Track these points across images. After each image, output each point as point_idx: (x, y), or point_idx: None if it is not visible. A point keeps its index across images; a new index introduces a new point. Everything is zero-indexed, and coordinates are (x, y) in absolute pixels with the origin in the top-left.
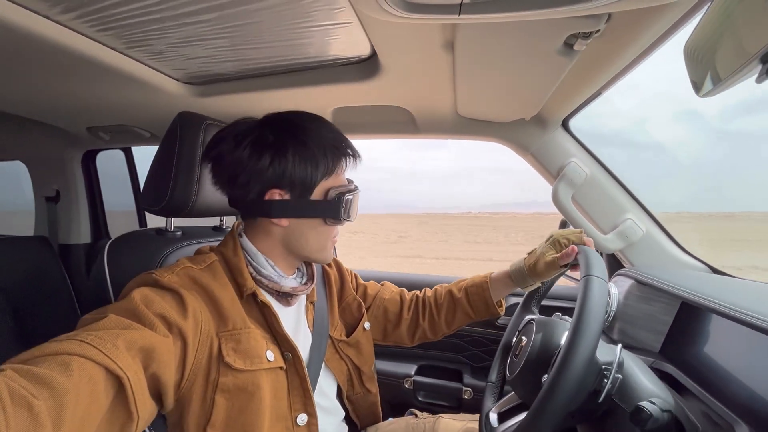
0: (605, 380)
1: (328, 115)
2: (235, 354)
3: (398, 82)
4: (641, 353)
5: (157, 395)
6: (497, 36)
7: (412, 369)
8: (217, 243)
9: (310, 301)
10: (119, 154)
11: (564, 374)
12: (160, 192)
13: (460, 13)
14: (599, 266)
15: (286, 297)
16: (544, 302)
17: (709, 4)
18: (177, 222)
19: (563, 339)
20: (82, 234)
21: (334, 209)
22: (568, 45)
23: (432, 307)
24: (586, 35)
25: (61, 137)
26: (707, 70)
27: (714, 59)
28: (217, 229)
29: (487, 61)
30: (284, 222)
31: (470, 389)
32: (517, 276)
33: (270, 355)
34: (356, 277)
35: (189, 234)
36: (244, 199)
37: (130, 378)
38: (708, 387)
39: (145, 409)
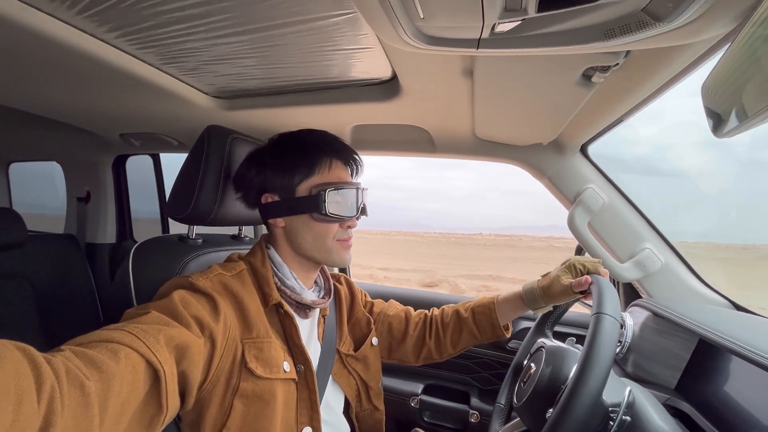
0: (611, 423)
1: (347, 132)
2: (257, 361)
3: (417, 104)
4: (656, 388)
5: (182, 392)
6: (516, 66)
7: (419, 387)
8: (235, 251)
9: (321, 314)
10: (147, 162)
11: (567, 417)
12: (186, 201)
13: (478, 47)
14: (612, 303)
15: (305, 309)
16: (559, 329)
17: (729, 44)
18: (198, 230)
19: (573, 370)
20: (108, 234)
21: (315, 203)
22: (587, 77)
23: (438, 326)
24: (605, 69)
25: (96, 142)
26: (727, 110)
27: (735, 100)
28: (236, 238)
29: (506, 89)
30: (280, 222)
31: (477, 412)
32: (530, 297)
33: (286, 366)
34: (365, 295)
35: (209, 242)
36: (254, 206)
37: (166, 372)
38: (723, 429)
39: (174, 404)
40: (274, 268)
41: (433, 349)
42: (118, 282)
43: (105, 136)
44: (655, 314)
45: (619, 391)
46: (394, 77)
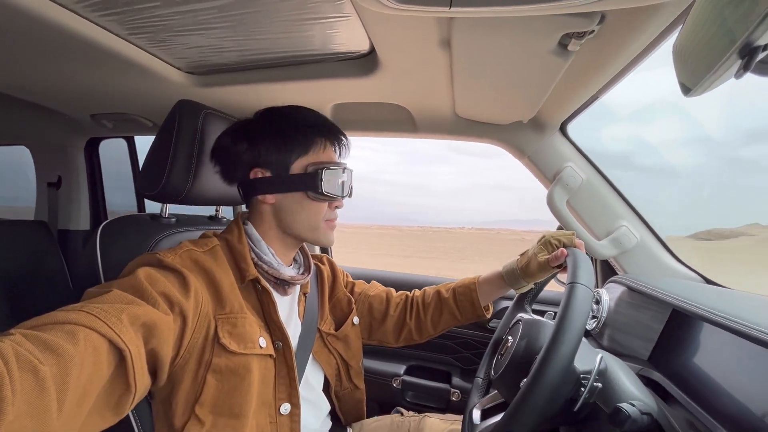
0: (582, 389)
1: (327, 111)
2: (230, 336)
3: (397, 80)
4: (630, 360)
5: (153, 370)
6: (492, 34)
7: (401, 369)
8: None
9: (303, 292)
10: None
11: (538, 382)
12: (157, 177)
13: (450, 6)
14: (586, 273)
15: (283, 285)
16: (540, 307)
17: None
18: (174, 210)
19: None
20: (82, 220)
21: (312, 182)
22: (563, 45)
23: (419, 306)
24: (580, 35)
25: (65, 123)
26: (693, 68)
27: (698, 57)
28: (213, 219)
29: (484, 60)
30: (270, 198)
31: (458, 391)
32: (510, 277)
33: (262, 341)
34: (347, 276)
35: (184, 221)
36: (237, 182)
37: (131, 351)
38: (694, 396)
39: (143, 382)
40: (251, 244)
41: (414, 329)
42: (84, 262)
43: (75, 117)
44: (630, 288)
45: (591, 359)
46: (372, 51)
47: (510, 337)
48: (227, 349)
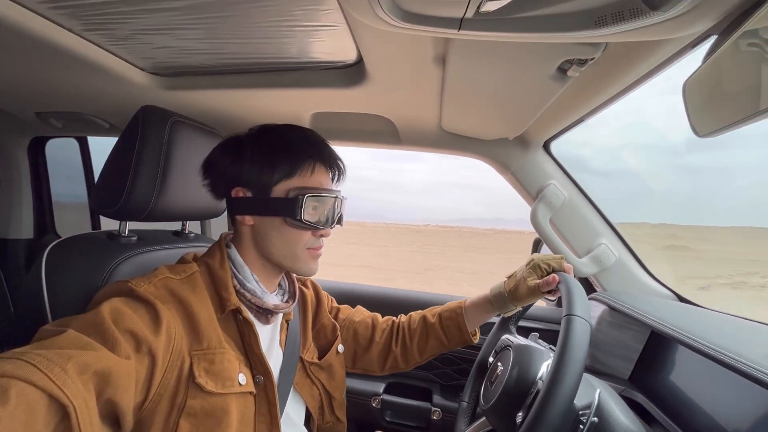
0: (581, 426)
1: (306, 119)
2: (207, 375)
3: (383, 92)
4: (610, 379)
5: (114, 419)
6: (492, 55)
7: (380, 387)
8: (187, 250)
9: (285, 319)
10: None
11: (540, 424)
12: (116, 192)
13: (460, 29)
14: (582, 304)
15: (266, 314)
16: (522, 323)
17: (711, 42)
18: (135, 224)
19: (541, 370)
20: (24, 229)
21: (291, 208)
22: (562, 70)
23: (405, 332)
24: (582, 62)
25: (6, 121)
26: (711, 111)
27: (720, 102)
28: (179, 235)
29: (478, 79)
30: (248, 220)
31: (439, 410)
32: (498, 301)
33: (242, 378)
34: (332, 300)
35: (147, 239)
36: (221, 197)
37: (76, 407)
38: (674, 416)
39: None
40: (234, 270)
41: (400, 357)
42: (29, 290)
43: (17, 115)
44: (611, 308)
45: (587, 392)
46: (359, 61)
47: (500, 364)
48: (203, 389)
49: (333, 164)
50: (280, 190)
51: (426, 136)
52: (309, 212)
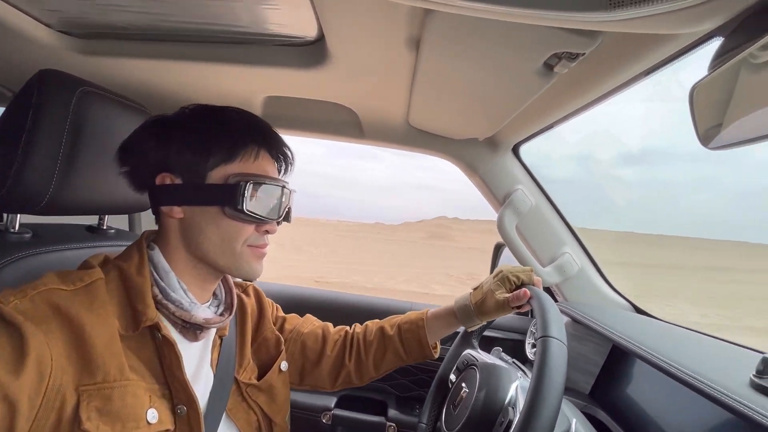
0: None
1: (257, 104)
2: (99, 417)
3: (347, 77)
4: (571, 394)
5: None
6: (473, 40)
7: (331, 401)
8: (90, 250)
9: (219, 335)
10: None
11: None
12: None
13: None
14: (558, 323)
15: (194, 330)
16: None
17: (719, 44)
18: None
19: (509, 392)
20: None
21: (231, 195)
22: (549, 66)
23: (360, 344)
24: (572, 57)
25: None
26: (722, 123)
27: (733, 116)
28: (95, 230)
29: (454, 69)
30: (177, 212)
31: (394, 425)
32: (463, 314)
33: (152, 415)
34: (277, 309)
35: (45, 236)
36: (145, 189)
37: None
38: None
39: None
40: (156, 276)
41: (353, 372)
42: None
43: None
44: (574, 320)
45: (562, 422)
46: (320, 38)
47: (464, 385)
48: None
49: (280, 153)
50: (216, 176)
51: (391, 132)
52: (253, 202)
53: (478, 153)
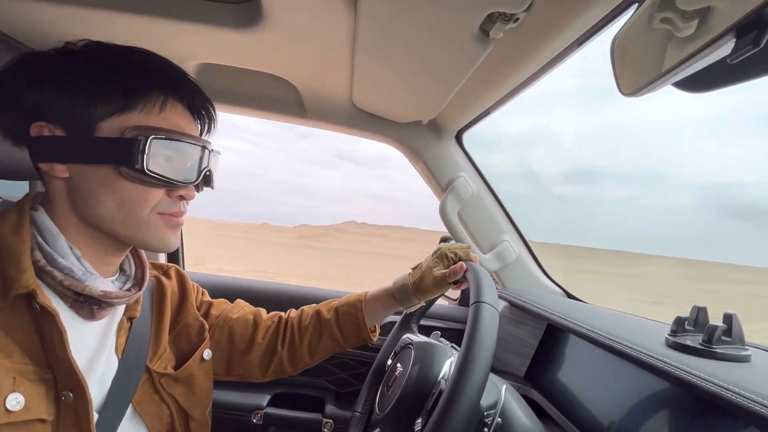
0: (485, 429)
1: (189, 71)
2: None
3: (284, 43)
4: (508, 377)
5: None
6: (407, 7)
7: (263, 399)
8: None
9: (128, 316)
10: None
11: (444, 428)
12: None
13: None
14: (490, 291)
15: (89, 305)
16: (423, 322)
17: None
18: None
19: (443, 368)
20: None
21: (125, 152)
22: (484, 31)
23: (294, 330)
24: (506, 19)
25: None
26: (637, 68)
27: (646, 58)
28: None
29: (394, 33)
30: (60, 170)
31: (331, 421)
32: (402, 294)
33: (15, 401)
34: (203, 293)
35: None
36: (20, 140)
37: None
38: (567, 412)
39: None
40: (39, 239)
41: (286, 359)
42: None
43: None
44: (512, 304)
45: (492, 391)
46: None
47: (399, 365)
48: None
49: (199, 107)
50: (109, 128)
51: (336, 112)
52: (158, 161)
53: (422, 138)
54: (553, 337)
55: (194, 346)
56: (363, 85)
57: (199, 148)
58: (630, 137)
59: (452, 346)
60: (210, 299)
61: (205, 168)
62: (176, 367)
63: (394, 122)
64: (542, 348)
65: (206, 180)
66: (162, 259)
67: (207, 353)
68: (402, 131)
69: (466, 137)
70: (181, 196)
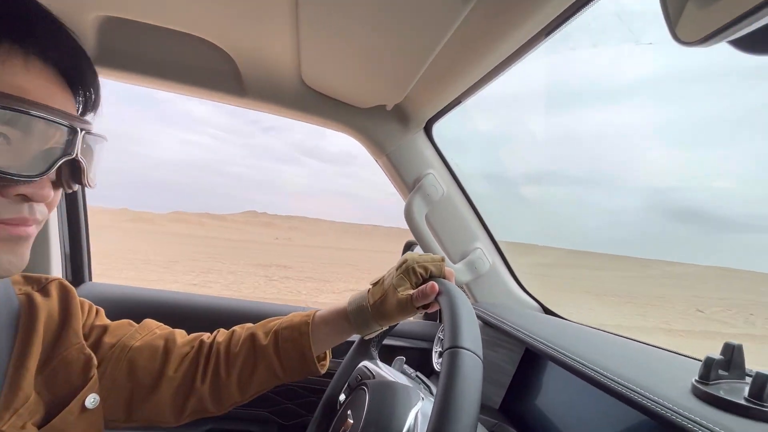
0: None
1: (87, 24)
2: None
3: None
4: (480, 411)
5: None
6: None
7: None
8: None
9: None
10: None
11: None
12: None
13: None
14: (471, 330)
15: None
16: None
17: None
18: None
19: (408, 420)
20: None
21: None
22: None
23: (221, 359)
24: None
25: None
26: (698, 14)
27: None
28: None
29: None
30: None
31: None
32: (359, 318)
33: None
34: (97, 313)
35: None
36: None
37: None
38: None
39: None
40: None
41: (208, 397)
42: None
43: None
44: (486, 323)
45: None
46: None
47: (350, 412)
48: None
49: (72, 67)
50: None
51: (281, 92)
52: None
53: (386, 128)
54: (532, 360)
55: (74, 390)
56: (313, 57)
57: (60, 127)
58: (580, 142)
59: (417, 375)
60: (106, 322)
61: (64, 157)
62: (43, 422)
63: (354, 107)
64: (520, 374)
65: (77, 176)
66: (57, 270)
67: (92, 399)
68: (363, 118)
69: (436, 129)
70: (23, 195)
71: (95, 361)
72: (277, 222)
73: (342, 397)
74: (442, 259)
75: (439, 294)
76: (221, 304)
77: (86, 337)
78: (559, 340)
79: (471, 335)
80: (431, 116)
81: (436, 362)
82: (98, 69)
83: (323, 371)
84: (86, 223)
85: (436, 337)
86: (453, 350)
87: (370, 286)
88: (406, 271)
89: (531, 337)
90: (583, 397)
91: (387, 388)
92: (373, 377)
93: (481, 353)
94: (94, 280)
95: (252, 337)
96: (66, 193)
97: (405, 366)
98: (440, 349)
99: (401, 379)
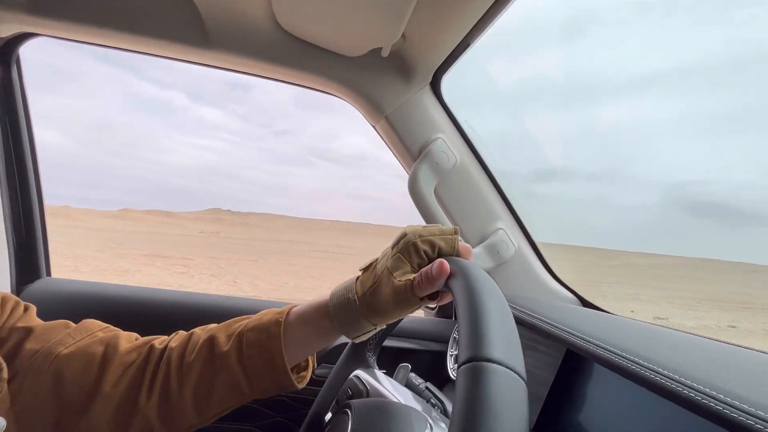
0: None
1: None
2: None
3: None
4: None
5: None
6: None
7: None
8: None
9: None
10: None
11: None
12: None
13: None
14: (504, 329)
15: None
16: (386, 341)
17: None
18: None
19: None
20: None
21: None
22: None
23: (172, 369)
24: None
25: None
26: None
27: None
28: None
29: None
30: None
31: None
32: (343, 315)
33: None
34: (26, 311)
35: None
36: None
37: None
38: None
39: None
40: None
41: (156, 418)
42: None
43: None
44: (517, 321)
45: None
46: None
47: None
48: None
49: None
50: None
51: (252, 39)
52: None
53: (384, 81)
54: (575, 366)
55: None
56: None
57: None
58: (597, 138)
59: (426, 388)
60: (35, 323)
61: None
62: None
63: (343, 56)
64: (558, 383)
65: None
66: (2, 265)
67: None
68: (355, 70)
69: (446, 85)
70: None
71: (5, 374)
72: (229, 218)
73: (329, 416)
74: (456, 231)
75: (450, 276)
76: (202, 300)
77: (2, 341)
78: (614, 340)
79: (503, 339)
80: (438, 66)
81: (452, 368)
82: (28, 21)
83: (302, 385)
84: (42, 215)
85: (452, 337)
86: (473, 365)
87: (360, 272)
88: (405, 249)
89: (577, 336)
90: (650, 412)
91: (377, 412)
92: (367, 392)
93: (522, 368)
94: (53, 275)
95: (210, 342)
96: (17, 186)
97: (411, 375)
98: (456, 353)
99: (404, 395)
